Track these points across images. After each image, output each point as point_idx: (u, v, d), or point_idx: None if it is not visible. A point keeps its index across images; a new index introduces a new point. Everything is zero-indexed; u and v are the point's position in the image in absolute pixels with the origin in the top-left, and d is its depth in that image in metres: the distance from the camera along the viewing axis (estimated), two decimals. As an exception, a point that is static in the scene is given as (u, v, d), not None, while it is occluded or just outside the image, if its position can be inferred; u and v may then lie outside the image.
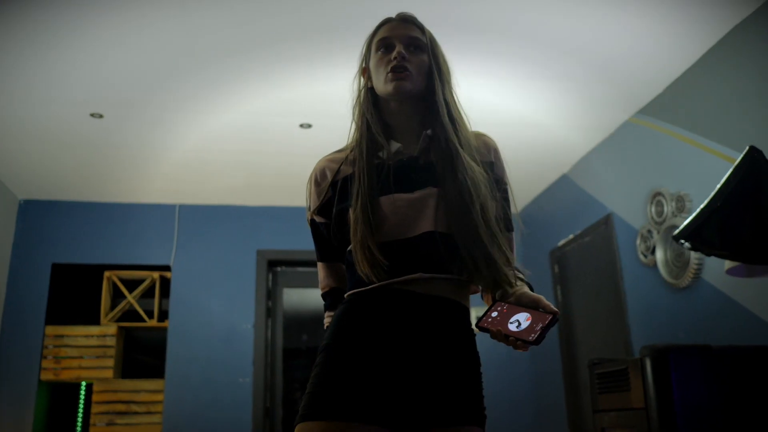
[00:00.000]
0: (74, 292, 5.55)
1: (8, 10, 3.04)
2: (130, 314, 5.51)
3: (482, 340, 1.43)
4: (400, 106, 1.50)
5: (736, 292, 3.23)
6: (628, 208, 4.26)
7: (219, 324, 5.45)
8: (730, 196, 2.36)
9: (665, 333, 3.79)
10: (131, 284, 5.57)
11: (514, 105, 4.11)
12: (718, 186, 2.42)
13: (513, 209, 1.53)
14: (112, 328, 5.29)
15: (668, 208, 3.78)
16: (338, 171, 1.50)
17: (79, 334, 5.23)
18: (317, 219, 1.53)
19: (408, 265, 1.36)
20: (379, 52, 1.51)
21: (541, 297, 1.32)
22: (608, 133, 4.51)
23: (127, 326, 5.43)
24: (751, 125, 3.18)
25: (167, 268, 5.57)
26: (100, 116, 4.10)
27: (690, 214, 2.71)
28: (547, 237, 5.45)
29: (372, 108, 1.52)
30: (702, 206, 2.44)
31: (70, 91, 3.79)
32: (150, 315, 5.47)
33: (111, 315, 5.37)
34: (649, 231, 3.97)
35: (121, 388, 5.15)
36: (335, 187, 1.49)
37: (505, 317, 1.30)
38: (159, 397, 5.17)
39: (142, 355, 5.67)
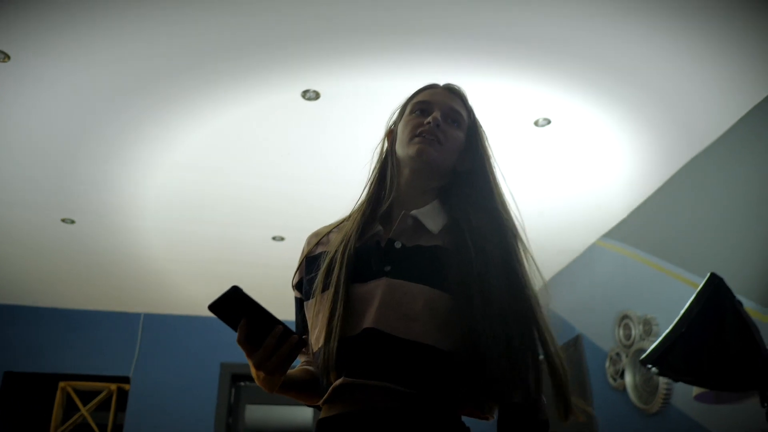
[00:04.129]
0: (26, 403, 5.29)
1: (-10, 117, 3.10)
2: (83, 428, 5.23)
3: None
4: (413, 177, 1.29)
5: (706, 418, 3.20)
6: (597, 330, 4.27)
7: (176, 441, 5.19)
8: (693, 322, 2.38)
9: (636, 461, 3.70)
10: (87, 396, 5.32)
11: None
12: (682, 312, 2.45)
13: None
14: (61, 444, 5.00)
15: (636, 331, 3.80)
16: (322, 242, 1.33)
17: (26, 449, 4.94)
18: (296, 294, 1.35)
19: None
20: (413, 114, 1.32)
21: None
22: (576, 255, 4.60)
23: (78, 441, 5.15)
24: (712, 251, 3.28)
25: (126, 380, 5.36)
26: (72, 222, 4.09)
27: (657, 337, 2.74)
28: (517, 357, 5.40)
29: (383, 176, 1.33)
30: (667, 331, 2.46)
31: (41, 195, 3.80)
32: (103, 429, 5.20)
33: (61, 429, 5.10)
34: (618, 354, 3.97)
35: None
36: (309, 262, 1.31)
37: None
38: None
39: (91, 473, 5.34)
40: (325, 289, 1.20)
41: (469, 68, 2.88)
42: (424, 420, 1.09)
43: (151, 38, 2.70)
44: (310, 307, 1.24)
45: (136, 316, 5.56)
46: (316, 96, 3.04)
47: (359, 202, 1.34)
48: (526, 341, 1.12)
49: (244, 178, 3.70)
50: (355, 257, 1.21)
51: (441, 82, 1.42)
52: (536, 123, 3.24)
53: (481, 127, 1.37)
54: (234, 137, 3.34)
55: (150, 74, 2.90)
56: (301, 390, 1.23)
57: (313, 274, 1.26)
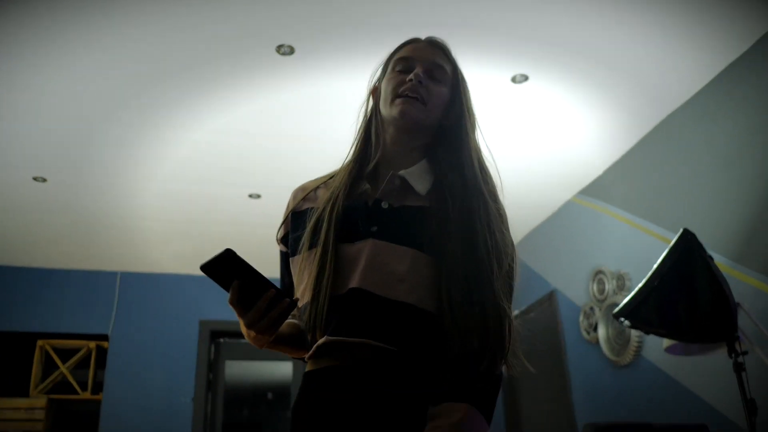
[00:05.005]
0: (4, 362, 5.28)
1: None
2: (63, 386, 5.25)
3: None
4: (398, 136, 1.27)
5: (675, 370, 3.30)
6: (572, 286, 4.34)
7: (157, 397, 5.24)
8: (666, 276, 2.43)
9: (608, 410, 3.81)
10: (65, 354, 5.33)
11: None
12: (655, 266, 2.50)
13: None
14: (41, 401, 5.02)
15: (609, 286, 3.87)
16: (309, 197, 1.31)
17: (5, 406, 4.95)
18: (282, 249, 1.33)
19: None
20: (395, 71, 1.30)
21: None
22: (552, 212, 4.64)
23: (59, 398, 5.17)
24: (685, 208, 3.33)
25: (105, 338, 5.37)
26: (44, 180, 4.02)
27: (630, 292, 2.81)
28: (493, 312, 5.48)
29: (369, 135, 1.31)
30: (640, 285, 2.51)
31: (12, 153, 3.72)
32: (84, 387, 5.23)
33: (41, 386, 5.11)
34: (592, 308, 4.04)
35: (46, 466, 4.85)
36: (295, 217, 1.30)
37: None
38: (87, 475, 4.89)
39: (73, 429, 5.38)
40: (311, 246, 1.20)
41: (446, 22, 2.84)
42: (407, 372, 1.10)
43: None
44: (295, 263, 1.24)
45: (113, 274, 5.54)
46: (291, 51, 2.99)
47: (346, 161, 1.32)
48: (488, 302, 1.12)
49: (219, 136, 3.65)
50: (342, 216, 1.20)
51: (418, 34, 1.39)
52: (513, 79, 3.22)
53: (464, 81, 1.34)
54: (208, 94, 3.28)
55: (126, 40, 2.83)
56: (290, 344, 1.25)
57: (299, 232, 1.26)
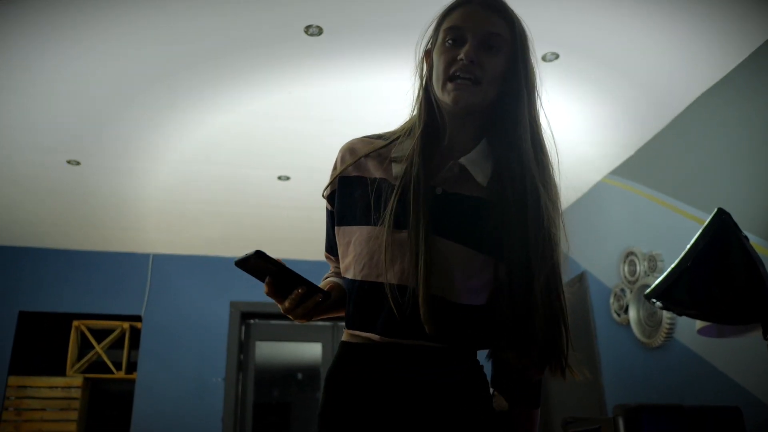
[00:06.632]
0: (41, 342, 5.42)
1: (-10, 57, 3.06)
2: (98, 365, 5.37)
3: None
4: (453, 120, 1.21)
5: (708, 352, 3.26)
6: (602, 267, 4.30)
7: (189, 377, 5.33)
8: (699, 256, 2.39)
9: (638, 392, 3.78)
10: (100, 334, 5.45)
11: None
12: (688, 246, 2.46)
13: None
14: (77, 380, 5.14)
15: (641, 267, 3.82)
16: (359, 164, 1.23)
17: (43, 385, 5.08)
18: (327, 206, 1.29)
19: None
20: (446, 43, 1.18)
21: None
22: (582, 193, 4.59)
23: (94, 378, 5.29)
24: (720, 188, 3.27)
25: (138, 319, 5.47)
26: (77, 163, 4.09)
27: (662, 273, 2.76)
28: (522, 294, 5.46)
29: (429, 107, 1.22)
30: (672, 266, 2.47)
31: (46, 137, 3.79)
32: (118, 366, 5.35)
33: (77, 366, 5.24)
34: (623, 290, 4.00)
35: (84, 443, 4.98)
36: (346, 183, 1.24)
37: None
38: (123, 452, 5.01)
39: (108, 408, 5.51)
40: (368, 222, 1.17)
41: None
42: (445, 356, 1.14)
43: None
44: (344, 233, 1.22)
45: (146, 256, 5.63)
46: (319, 32, 2.98)
47: (414, 135, 1.22)
48: (551, 305, 1.16)
49: (248, 118, 3.67)
50: (399, 200, 1.15)
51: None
52: (544, 58, 3.18)
53: (525, 40, 1.22)
54: (236, 76, 3.29)
55: (155, 23, 2.84)
56: (334, 310, 1.28)
57: (346, 201, 1.23)
